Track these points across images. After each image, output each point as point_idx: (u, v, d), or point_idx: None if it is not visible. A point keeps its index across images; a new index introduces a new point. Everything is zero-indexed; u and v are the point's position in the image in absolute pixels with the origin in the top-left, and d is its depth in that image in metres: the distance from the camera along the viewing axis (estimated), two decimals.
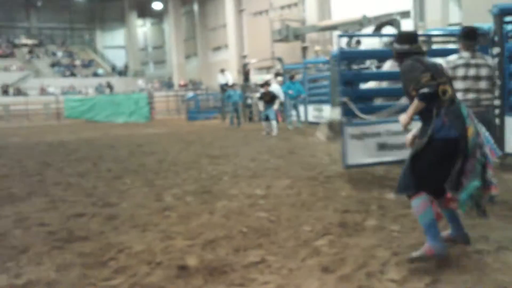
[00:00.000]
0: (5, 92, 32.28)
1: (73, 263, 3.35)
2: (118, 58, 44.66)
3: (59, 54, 40.95)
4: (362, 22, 18.87)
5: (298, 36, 25.93)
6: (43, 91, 33.60)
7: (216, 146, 10.45)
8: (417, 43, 3.52)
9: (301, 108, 14.91)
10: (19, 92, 32.56)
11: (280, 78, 17.77)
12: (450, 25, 17.09)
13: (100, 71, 39.76)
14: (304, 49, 27.05)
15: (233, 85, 17.90)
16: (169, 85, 37.41)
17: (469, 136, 3.14)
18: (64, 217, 4.64)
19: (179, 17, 38.81)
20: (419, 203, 3.21)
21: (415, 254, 3.11)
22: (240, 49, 32.70)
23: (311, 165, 7.08)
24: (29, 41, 41.04)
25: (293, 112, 14.53)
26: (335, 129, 6.71)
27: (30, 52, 39.40)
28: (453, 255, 3.16)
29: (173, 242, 3.74)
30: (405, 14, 18.51)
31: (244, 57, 31.46)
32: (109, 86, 35.63)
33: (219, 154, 8.96)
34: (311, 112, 15.07)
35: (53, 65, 38.75)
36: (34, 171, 7.75)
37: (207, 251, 3.48)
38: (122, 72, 40.68)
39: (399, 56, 3.48)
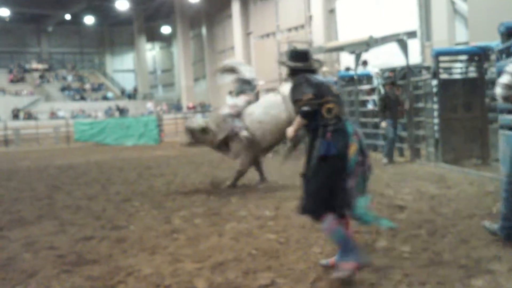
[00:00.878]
0: (16, 116, 32.65)
1: (82, 287, 3.34)
2: (128, 82, 45.17)
3: (69, 78, 41.49)
4: (369, 43, 18.94)
5: None
6: (53, 115, 33.97)
7: (224, 167, 10.44)
8: (309, 61, 3.67)
9: None
10: (29, 116, 32.92)
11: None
12: (457, 44, 17.12)
13: (109, 94, 40.18)
14: None
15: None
16: (177, 107, 37.66)
17: (350, 154, 3.22)
18: (73, 240, 4.64)
19: (188, 41, 39.27)
20: (327, 223, 3.28)
21: (337, 274, 3.14)
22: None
23: None
24: (40, 66, 41.68)
25: (300, 133, 14.55)
26: (195, 136, 7.44)
27: (41, 76, 39.97)
28: (466, 275, 3.11)
29: (181, 265, 3.72)
30: (412, 34, 18.55)
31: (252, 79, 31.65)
32: (119, 109, 35.95)
33: (228, 175, 8.94)
34: None
35: (63, 89, 39.23)
36: (43, 194, 7.78)
37: (216, 274, 3.46)
38: (132, 95, 41.06)
39: (292, 73, 3.64)
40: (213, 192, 7.08)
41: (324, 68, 18.19)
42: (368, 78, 13.00)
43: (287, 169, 9.22)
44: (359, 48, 17.67)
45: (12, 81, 37.98)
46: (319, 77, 3.61)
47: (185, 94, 38.37)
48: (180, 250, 4.15)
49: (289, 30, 29.23)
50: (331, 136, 3.25)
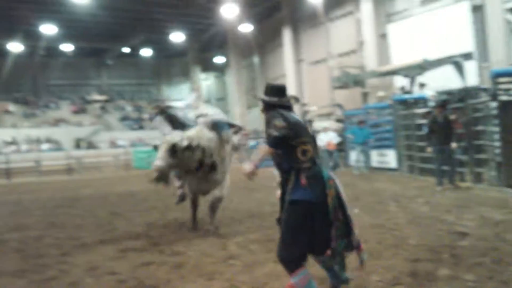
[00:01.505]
0: (78, 146, 34.19)
1: None
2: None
3: (128, 108, 43.15)
4: (423, 66, 18.57)
5: (357, 82, 25.90)
6: (113, 144, 35.29)
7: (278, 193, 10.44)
8: (285, 97, 3.51)
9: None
10: (91, 145, 34.38)
11: (340, 124, 17.76)
12: None
13: None
14: (365, 95, 26.93)
15: None
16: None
17: (329, 202, 3.15)
18: (133, 266, 4.77)
19: (241, 70, 40.06)
20: (299, 279, 3.20)
21: None
22: (299, 97, 33.06)
23: (378, 212, 6.91)
24: (101, 97, 43.66)
25: (360, 158, 14.37)
26: (177, 157, 5.93)
27: (102, 107, 41.82)
28: None
29: None
30: (468, 56, 18.03)
31: (304, 104, 31.73)
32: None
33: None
34: (374, 157, 14.82)
35: (122, 119, 40.80)
36: (105, 221, 8.06)
37: None
38: None
39: (266, 107, 3.50)
40: (267, 218, 7.09)
41: (380, 93, 17.98)
42: (424, 101, 12.73)
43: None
44: (413, 71, 17.37)
45: (74, 112, 39.96)
46: (295, 115, 3.47)
47: (238, 121, 38.95)
48: (237, 276, 4.18)
49: (341, 55, 29.20)
50: (307, 182, 3.16)
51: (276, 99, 3.48)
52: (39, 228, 7.62)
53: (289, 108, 3.50)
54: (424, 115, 11.96)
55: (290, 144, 3.20)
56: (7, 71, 40.36)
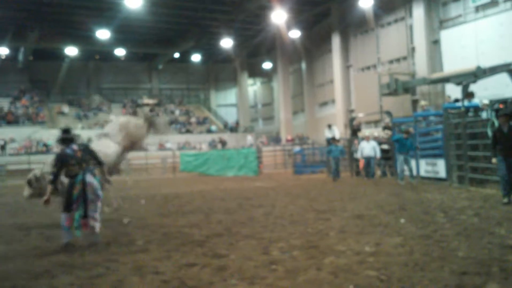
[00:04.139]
0: None
1: None
2: (230, 115, 47.00)
3: (177, 112, 44.04)
4: (477, 73, 17.95)
5: (407, 89, 25.36)
6: (161, 147, 36.09)
7: (322, 200, 10.36)
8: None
9: (413, 163, 14.36)
10: (140, 148, 35.22)
11: (389, 132, 17.44)
12: None
13: (213, 127, 41.92)
14: (414, 102, 26.32)
15: (335, 140, 18.00)
16: (276, 140, 38.25)
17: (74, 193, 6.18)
18: (177, 266, 4.84)
19: (287, 75, 40.09)
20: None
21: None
22: (347, 103, 32.71)
23: (424, 223, 6.72)
24: (150, 101, 44.77)
25: (405, 167, 14.05)
26: (33, 187, 8.07)
27: (151, 110, 42.84)
28: None
29: None
30: None
31: (351, 111, 31.37)
32: (222, 141, 37.31)
33: (325, 208, 8.87)
34: (423, 167, 14.43)
35: (171, 122, 41.65)
36: (151, 221, 8.24)
37: None
38: (233, 129, 42.49)
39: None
40: (310, 224, 7.05)
41: (423, 102, 17.53)
42: (475, 110, 12.29)
43: (388, 205, 8.94)
44: (466, 79, 16.84)
45: (125, 115, 41.16)
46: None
47: (284, 127, 38.94)
48: (278, 281, 4.16)
49: (391, 62, 28.70)
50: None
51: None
52: None
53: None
54: (483, 124, 11.46)
55: None
56: (63, 74, 42.12)
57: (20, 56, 39.79)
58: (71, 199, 6.14)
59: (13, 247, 6.23)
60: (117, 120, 9.44)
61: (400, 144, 14.02)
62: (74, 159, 6.23)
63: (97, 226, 6.28)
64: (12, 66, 40.76)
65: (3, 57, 38.73)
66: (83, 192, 6.17)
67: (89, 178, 6.29)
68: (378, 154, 16.00)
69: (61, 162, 6.22)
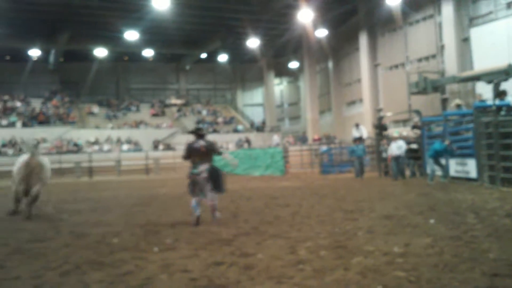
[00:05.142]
0: (156, 147, 35.62)
1: None
2: (256, 115, 47.08)
3: (204, 112, 44.37)
4: (509, 71, 17.50)
5: (437, 88, 24.92)
6: None
7: (349, 200, 10.29)
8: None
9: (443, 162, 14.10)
10: (168, 147, 35.69)
11: (417, 131, 17.20)
12: None
13: (239, 127, 42.07)
14: (444, 101, 25.85)
15: (357, 140, 17.94)
16: (303, 139, 38.14)
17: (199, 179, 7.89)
18: (205, 265, 4.88)
19: (314, 75, 39.91)
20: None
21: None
22: (375, 102, 32.37)
23: (455, 223, 6.60)
24: (178, 101, 45.25)
25: (435, 167, 13.80)
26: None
27: (179, 110, 43.31)
28: None
29: None
30: None
31: (379, 110, 31.02)
32: (247, 141, 37.41)
33: (353, 208, 8.80)
34: (453, 167, 14.17)
35: (198, 122, 41.98)
36: (180, 220, 8.33)
37: None
38: (260, 128, 42.54)
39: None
40: (338, 224, 7.01)
41: (457, 101, 17.19)
42: (508, 108, 11.99)
43: (417, 206, 8.81)
44: (497, 77, 16.45)
45: (153, 115, 41.71)
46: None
47: (310, 126, 38.78)
48: (305, 281, 4.16)
49: (419, 60, 28.27)
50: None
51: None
52: (118, 224, 8.02)
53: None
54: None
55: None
56: (92, 75, 42.94)
57: (51, 58, 40.79)
58: (194, 185, 7.88)
59: (46, 244, 6.38)
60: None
61: (437, 152, 13.62)
62: (198, 152, 7.94)
63: (215, 205, 7.97)
64: (44, 68, 41.81)
65: (35, 59, 39.73)
66: (204, 179, 7.78)
67: (204, 167, 7.86)
68: (397, 152, 15.82)
69: (189, 151, 8.07)
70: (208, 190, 7.76)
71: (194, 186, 7.86)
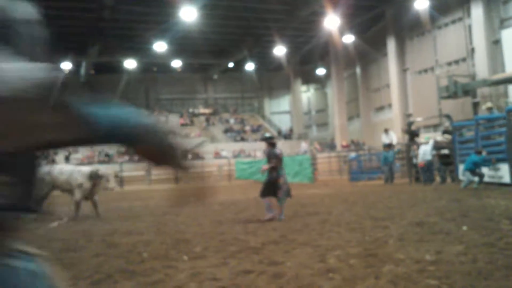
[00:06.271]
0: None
1: None
2: (284, 123, 47.07)
3: (231, 121, 44.63)
4: None
5: (467, 91, 24.43)
6: (217, 155, 36.67)
7: (379, 207, 10.15)
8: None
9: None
10: (196, 156, 35.98)
11: (449, 136, 16.88)
12: None
13: (267, 135, 42.10)
14: (475, 105, 25.31)
15: (386, 147, 17.87)
16: (331, 146, 37.90)
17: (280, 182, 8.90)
18: (233, 273, 4.89)
19: (342, 81, 39.69)
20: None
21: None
22: (404, 108, 31.95)
23: (488, 230, 6.43)
24: (206, 111, 45.70)
25: (472, 177, 13.46)
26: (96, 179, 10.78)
27: (207, 120, 43.69)
28: None
29: None
30: None
31: (409, 115, 30.58)
32: None
33: (383, 215, 8.68)
34: (486, 172, 13.83)
35: (226, 131, 42.27)
36: (209, 228, 8.38)
37: None
38: (287, 136, 42.50)
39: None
40: (368, 232, 6.92)
41: (488, 104, 16.82)
42: None
43: (448, 212, 8.64)
44: None
45: (182, 124, 42.20)
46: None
47: (338, 133, 38.53)
48: None
49: (449, 64, 27.80)
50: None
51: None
52: (148, 233, 8.12)
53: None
54: None
55: None
56: (122, 87, 43.82)
57: (82, 71, 41.79)
58: (276, 187, 8.95)
59: (78, 254, 6.51)
60: None
61: (475, 164, 13.30)
62: (279, 158, 9.07)
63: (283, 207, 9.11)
64: (75, 81, 42.83)
65: (67, 72, 40.76)
66: (284, 183, 9.02)
67: (282, 172, 9.16)
68: (428, 157, 15.85)
69: (275, 157, 9.07)
70: (282, 191, 8.91)
71: (269, 189, 8.97)
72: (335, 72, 39.41)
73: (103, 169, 11.48)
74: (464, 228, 6.73)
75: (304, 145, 36.56)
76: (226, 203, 13.37)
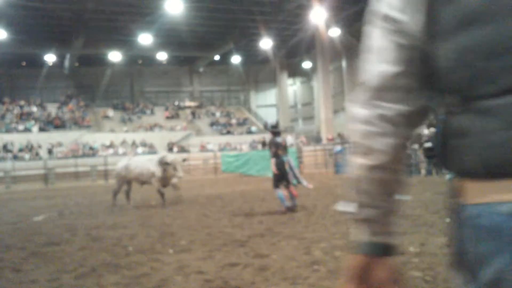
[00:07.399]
0: (170, 149, 35.83)
1: None
2: (270, 116, 47.08)
3: (217, 114, 44.51)
4: None
5: None
6: (203, 148, 36.57)
7: None
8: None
9: None
10: (182, 149, 35.88)
11: (432, 129, 17.15)
12: None
13: (253, 128, 42.12)
14: None
15: None
16: (317, 139, 38.03)
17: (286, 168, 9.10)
18: (219, 266, 4.89)
19: (327, 74, 39.73)
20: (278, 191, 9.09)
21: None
22: None
23: None
24: (192, 104, 45.50)
25: None
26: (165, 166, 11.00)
27: (193, 113, 43.51)
28: None
29: None
30: None
31: None
32: (264, 143, 37.44)
33: None
34: None
35: (212, 124, 42.15)
36: (194, 222, 8.36)
37: None
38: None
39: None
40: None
41: None
42: None
43: (433, 204, 8.72)
44: None
45: (167, 117, 41.98)
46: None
47: (324, 126, 38.63)
48: (321, 282, 4.14)
49: None
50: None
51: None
52: (133, 227, 8.08)
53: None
54: None
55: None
56: (107, 79, 43.40)
57: (66, 63, 41.28)
58: (283, 174, 9.03)
59: (62, 247, 6.45)
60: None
61: None
62: (281, 146, 9.21)
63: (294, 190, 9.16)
64: (59, 73, 42.34)
65: (51, 64, 40.29)
66: (289, 167, 9.18)
67: (288, 158, 9.30)
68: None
69: (275, 146, 9.22)
70: (291, 178, 9.13)
71: (280, 178, 9.06)
72: (321, 65, 39.42)
73: (170, 156, 11.62)
74: (448, 220, 6.80)
75: (290, 138, 36.61)
76: (211, 197, 13.35)
